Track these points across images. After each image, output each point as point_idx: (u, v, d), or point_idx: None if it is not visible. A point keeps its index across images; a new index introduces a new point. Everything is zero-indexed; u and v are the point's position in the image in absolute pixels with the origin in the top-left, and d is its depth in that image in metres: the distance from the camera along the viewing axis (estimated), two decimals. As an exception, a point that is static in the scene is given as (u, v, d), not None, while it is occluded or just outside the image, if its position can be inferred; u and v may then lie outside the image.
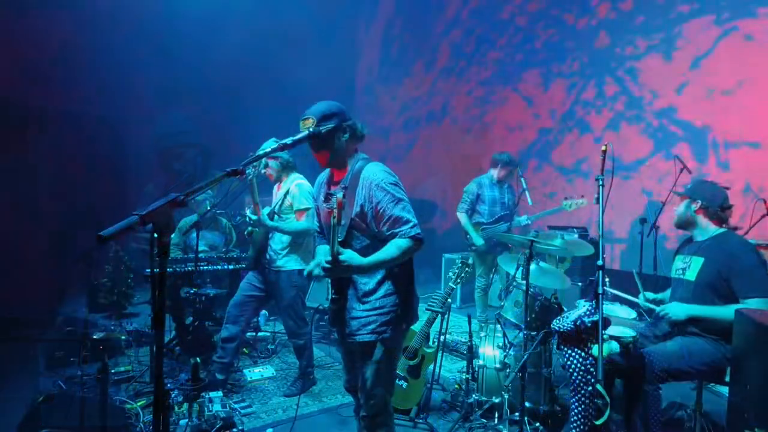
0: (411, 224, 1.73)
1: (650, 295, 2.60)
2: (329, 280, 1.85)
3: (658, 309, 2.33)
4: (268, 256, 3.10)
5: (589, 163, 5.48)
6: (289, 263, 3.07)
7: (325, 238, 2.05)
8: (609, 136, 5.23)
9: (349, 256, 1.66)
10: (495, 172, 4.38)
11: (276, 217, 3.07)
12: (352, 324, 1.82)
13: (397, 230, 1.73)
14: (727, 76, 4.29)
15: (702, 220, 2.36)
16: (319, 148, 1.80)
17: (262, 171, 3.07)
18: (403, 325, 1.88)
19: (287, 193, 3.06)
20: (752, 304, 2.08)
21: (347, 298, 1.83)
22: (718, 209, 2.33)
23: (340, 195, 1.62)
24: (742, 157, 4.22)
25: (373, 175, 1.77)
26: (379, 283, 1.81)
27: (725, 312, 2.13)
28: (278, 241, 3.08)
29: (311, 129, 1.72)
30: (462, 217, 4.40)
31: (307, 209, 3.01)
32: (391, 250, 1.71)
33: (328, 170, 1.97)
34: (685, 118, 4.63)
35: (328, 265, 1.63)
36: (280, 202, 3.07)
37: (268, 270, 3.11)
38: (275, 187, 3.22)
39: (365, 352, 1.83)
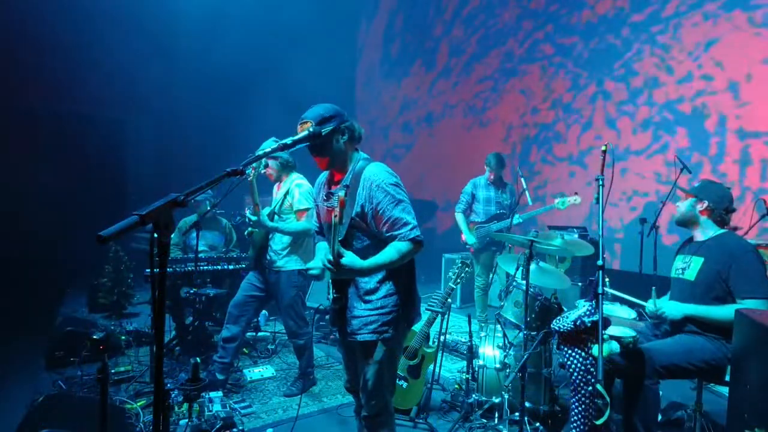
0: (410, 226, 1.73)
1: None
2: (330, 280, 1.86)
3: (655, 308, 2.33)
4: (268, 257, 3.10)
5: (590, 158, 5.48)
6: (290, 263, 3.07)
7: (324, 237, 2.05)
8: (609, 132, 5.24)
9: (350, 259, 1.66)
10: (488, 172, 4.45)
11: (276, 217, 3.07)
12: (353, 323, 1.81)
13: (397, 233, 1.73)
14: (729, 68, 4.30)
15: (705, 220, 2.36)
16: (319, 151, 1.79)
17: (262, 171, 3.06)
18: (404, 325, 1.88)
19: (287, 193, 3.06)
20: (749, 305, 2.09)
21: (348, 297, 1.84)
22: (723, 212, 2.33)
23: (341, 193, 1.62)
24: (744, 149, 4.23)
25: (373, 176, 1.76)
26: (381, 283, 1.80)
27: (721, 312, 2.15)
28: (278, 242, 3.08)
29: (311, 129, 1.71)
30: (457, 216, 4.49)
31: (306, 209, 3.02)
32: (390, 253, 1.71)
33: (328, 171, 1.98)
34: (686, 111, 4.63)
35: (329, 266, 1.65)
36: (279, 203, 3.07)
37: (269, 270, 3.11)
38: (275, 187, 3.22)
39: (366, 352, 1.82)
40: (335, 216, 1.57)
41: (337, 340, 4.08)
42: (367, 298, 1.81)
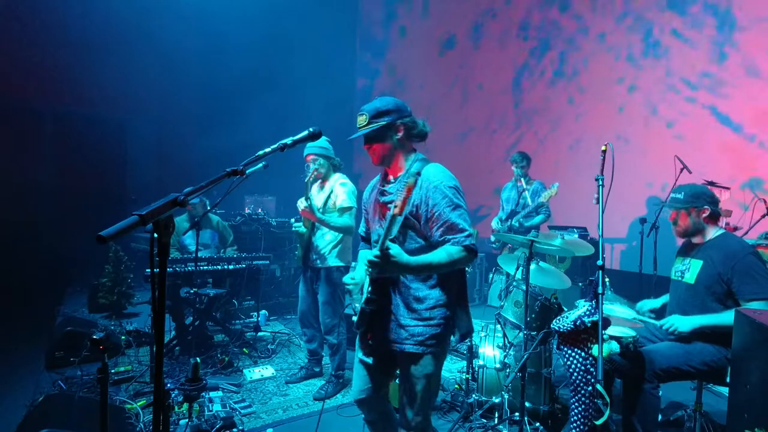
0: (465, 233, 1.65)
1: (647, 303, 2.60)
2: (368, 279, 1.74)
3: (661, 323, 2.32)
4: (314, 256, 3.23)
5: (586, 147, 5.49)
6: (332, 261, 3.20)
7: (368, 243, 2.01)
8: (609, 132, 5.25)
9: (397, 251, 1.55)
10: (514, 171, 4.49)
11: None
12: (399, 332, 1.71)
13: (450, 237, 1.65)
14: (728, 63, 4.31)
15: (709, 225, 2.36)
16: (370, 142, 1.76)
17: (316, 169, 3.16)
18: (449, 338, 1.78)
19: (331, 192, 3.16)
20: (755, 307, 2.08)
21: (390, 301, 1.74)
22: (718, 209, 2.33)
23: (409, 180, 1.47)
24: (744, 142, 4.24)
25: (432, 177, 1.70)
26: (431, 291, 1.71)
27: (731, 318, 2.12)
28: (321, 239, 3.20)
29: (312, 129, 1.65)
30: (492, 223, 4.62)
31: (350, 208, 3.12)
32: (440, 254, 1.62)
33: (379, 175, 1.92)
34: (684, 108, 4.64)
35: (375, 259, 1.52)
36: (324, 201, 3.16)
37: (313, 267, 3.25)
38: (312, 186, 3.31)
39: (412, 364, 1.72)
40: (395, 206, 1.42)
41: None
42: (415, 305, 1.71)
